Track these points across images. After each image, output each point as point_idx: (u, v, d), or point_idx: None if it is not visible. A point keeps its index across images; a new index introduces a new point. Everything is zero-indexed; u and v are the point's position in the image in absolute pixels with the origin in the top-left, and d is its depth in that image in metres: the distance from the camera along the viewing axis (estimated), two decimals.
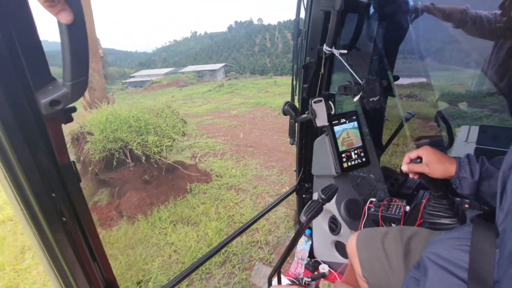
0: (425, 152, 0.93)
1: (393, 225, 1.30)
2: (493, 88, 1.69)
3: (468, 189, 0.85)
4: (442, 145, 1.85)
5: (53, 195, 0.55)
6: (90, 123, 4.56)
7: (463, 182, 0.86)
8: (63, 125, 0.57)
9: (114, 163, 4.44)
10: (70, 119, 0.58)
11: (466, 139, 1.88)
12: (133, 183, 4.57)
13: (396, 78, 1.68)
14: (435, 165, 0.91)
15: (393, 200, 1.38)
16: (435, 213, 1.05)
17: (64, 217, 0.58)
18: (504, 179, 0.63)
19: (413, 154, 0.97)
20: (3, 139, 0.45)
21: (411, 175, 0.98)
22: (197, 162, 5.73)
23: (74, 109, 0.55)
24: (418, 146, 1.82)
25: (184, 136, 5.62)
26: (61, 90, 0.47)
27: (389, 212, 1.33)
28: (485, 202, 0.87)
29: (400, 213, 1.30)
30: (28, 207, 0.52)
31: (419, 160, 0.95)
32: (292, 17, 1.30)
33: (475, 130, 1.84)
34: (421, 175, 0.95)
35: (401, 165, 1.02)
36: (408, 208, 1.32)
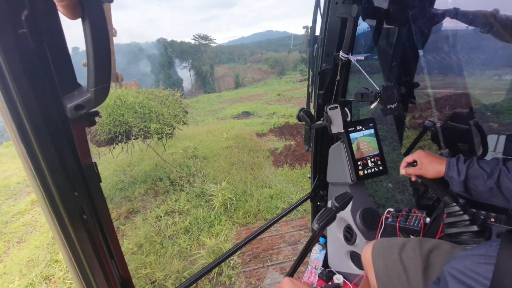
0: (419, 155, 1.00)
1: (411, 236, 1.25)
2: None
3: (458, 187, 0.90)
4: (474, 155, 1.76)
5: (76, 194, 0.59)
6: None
7: (453, 181, 0.90)
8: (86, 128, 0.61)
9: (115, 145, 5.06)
10: (93, 123, 0.62)
11: (494, 149, 1.79)
12: None
13: (416, 85, 1.63)
14: (427, 166, 0.96)
15: (412, 211, 1.33)
16: (456, 225, 1.00)
17: (85, 215, 0.62)
18: None
19: (409, 158, 1.03)
20: (32, 140, 0.49)
21: (412, 179, 1.03)
22: None
23: (97, 113, 0.59)
24: (444, 155, 1.75)
25: (184, 125, 6.09)
26: (85, 96, 0.51)
27: (407, 223, 1.28)
28: (478, 199, 0.90)
29: (420, 225, 1.25)
30: (53, 204, 0.56)
31: (415, 163, 1.00)
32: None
33: (503, 139, 1.75)
34: (421, 178, 1.00)
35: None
36: (428, 220, 1.27)
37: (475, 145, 1.80)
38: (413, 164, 1.02)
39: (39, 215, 5.61)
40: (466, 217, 0.98)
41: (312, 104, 1.43)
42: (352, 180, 1.34)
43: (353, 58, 1.21)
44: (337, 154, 1.38)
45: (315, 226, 0.79)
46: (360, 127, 1.34)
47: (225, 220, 4.54)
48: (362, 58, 1.22)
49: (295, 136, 8.27)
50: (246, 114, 13.28)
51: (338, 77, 1.28)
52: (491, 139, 1.84)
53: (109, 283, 0.75)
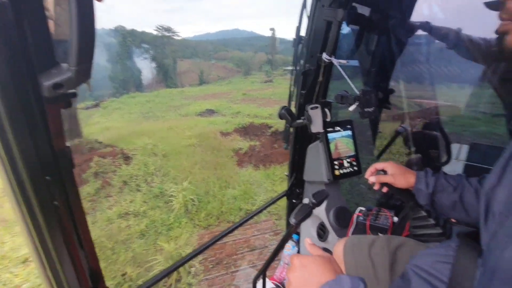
0: (390, 166, 1.05)
1: (380, 234, 1.32)
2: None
3: (423, 200, 0.95)
4: (438, 161, 1.89)
5: (47, 178, 0.56)
6: None
7: (420, 193, 0.95)
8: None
9: None
10: (70, 105, 0.59)
11: (456, 157, 1.93)
12: None
13: (392, 91, 1.72)
14: (398, 176, 1.01)
15: (382, 210, 1.40)
16: (421, 225, 1.08)
17: (56, 201, 0.58)
18: (487, 199, 0.65)
19: (380, 165, 1.08)
20: (2, 117, 0.46)
21: (375, 187, 1.08)
22: None
23: (75, 95, 0.56)
24: (410, 161, 1.86)
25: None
26: (65, 74, 0.48)
27: (377, 221, 1.35)
28: (441, 213, 0.96)
29: (388, 224, 1.33)
30: (21, 187, 0.53)
31: (382, 172, 1.06)
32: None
33: (465, 148, 1.89)
34: (389, 186, 1.04)
35: None
36: (396, 219, 1.35)
37: (440, 153, 1.93)
38: (380, 172, 1.07)
39: None
40: (431, 220, 1.06)
41: (293, 103, 1.45)
42: (328, 179, 1.38)
43: (335, 61, 1.25)
44: (315, 153, 1.42)
45: (292, 220, 0.80)
46: (339, 128, 1.39)
47: (186, 222, 4.36)
48: (345, 62, 1.26)
49: (259, 136, 8.39)
50: (210, 112, 12.98)
51: (321, 78, 1.31)
52: (455, 147, 1.98)
53: (78, 274, 0.71)
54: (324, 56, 1.24)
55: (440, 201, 0.92)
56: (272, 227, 4.03)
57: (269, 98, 16.08)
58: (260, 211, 1.66)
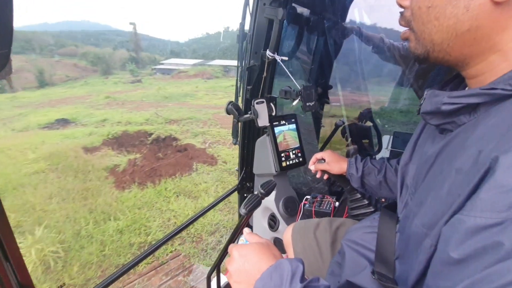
0: (327, 154, 1.15)
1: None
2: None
3: (355, 183, 1.07)
4: (372, 151, 2.12)
5: None
6: None
7: (352, 177, 1.07)
8: None
9: None
10: None
11: (387, 146, 2.19)
12: None
13: (330, 87, 1.87)
14: (333, 163, 1.13)
15: (325, 197, 1.52)
16: (357, 206, 1.20)
17: None
18: (402, 174, 0.76)
19: (319, 155, 1.18)
20: None
21: (317, 175, 1.19)
22: (206, 147, 6.33)
23: None
24: (348, 151, 2.05)
25: None
26: None
27: (321, 207, 1.46)
28: (371, 193, 1.10)
29: (330, 208, 1.45)
30: None
31: (323, 160, 1.16)
32: None
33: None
34: (327, 173, 1.16)
35: None
36: (337, 203, 1.48)
37: (373, 143, 2.17)
38: (321, 161, 1.17)
39: None
40: (365, 201, 1.19)
41: (240, 98, 1.48)
42: (276, 171, 1.44)
43: (278, 58, 1.31)
44: (263, 147, 1.47)
45: (243, 211, 0.83)
46: (284, 122, 1.46)
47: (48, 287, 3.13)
48: (286, 58, 1.33)
49: (139, 147, 6.80)
50: (63, 122, 10.37)
51: (265, 74, 1.36)
52: (385, 138, 2.24)
53: None
54: (268, 52, 1.29)
55: (369, 183, 1.04)
56: (185, 263, 3.10)
57: (141, 100, 14.31)
58: (213, 207, 1.65)
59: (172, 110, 11.33)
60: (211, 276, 1.12)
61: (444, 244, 0.43)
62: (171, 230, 2.81)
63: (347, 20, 1.80)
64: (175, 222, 3.22)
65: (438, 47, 0.51)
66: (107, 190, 4.87)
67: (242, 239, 1.75)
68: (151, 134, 7.45)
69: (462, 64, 0.52)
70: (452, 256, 0.40)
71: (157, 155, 6.30)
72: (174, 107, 12.21)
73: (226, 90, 18.68)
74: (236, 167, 1.71)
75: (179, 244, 3.25)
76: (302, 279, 0.49)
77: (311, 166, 1.19)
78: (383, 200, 1.49)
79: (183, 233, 3.16)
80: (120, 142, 7.09)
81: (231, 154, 5.82)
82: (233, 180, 4.43)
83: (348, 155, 2.01)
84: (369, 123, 2.13)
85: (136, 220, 3.81)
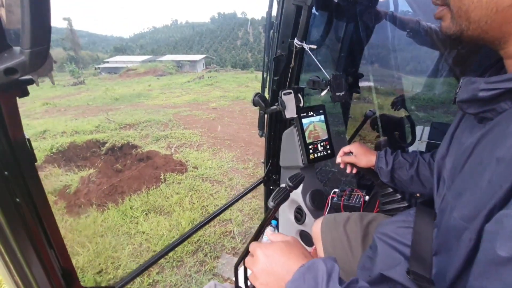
0: (355, 147, 1.10)
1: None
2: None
3: (385, 177, 1.01)
4: (404, 143, 2.01)
5: (6, 173, 0.51)
6: None
7: (381, 171, 1.01)
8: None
9: None
10: (26, 93, 0.54)
11: (420, 138, 2.07)
12: None
13: (361, 76, 1.78)
14: (361, 156, 1.07)
15: (354, 191, 1.47)
16: (389, 200, 1.15)
17: (17, 197, 0.54)
18: (438, 168, 0.72)
19: (347, 148, 1.13)
20: None
21: (342, 166, 1.15)
22: (172, 152, 5.65)
23: (31, 81, 0.52)
24: (378, 143, 1.96)
25: None
26: (18, 58, 0.43)
27: (350, 201, 1.41)
28: (401, 188, 1.03)
29: (360, 202, 1.40)
30: None
31: (350, 153, 1.11)
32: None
33: (427, 129, 2.03)
34: (355, 166, 1.11)
35: None
36: (367, 197, 1.42)
37: (405, 134, 2.05)
38: (349, 154, 1.12)
39: None
40: (397, 195, 1.13)
41: (266, 90, 1.45)
42: (303, 163, 1.41)
43: (306, 46, 1.26)
44: (290, 139, 1.44)
45: (271, 204, 0.81)
46: (312, 113, 1.42)
47: None
48: (315, 47, 1.28)
49: (91, 160, 5.65)
50: None
51: (292, 63, 1.32)
52: (418, 129, 2.12)
53: (49, 276, 0.67)
54: (296, 41, 1.25)
55: (400, 177, 0.98)
56: None
57: (87, 105, 13.05)
58: (239, 199, 1.67)
59: (126, 113, 10.15)
60: (238, 266, 1.14)
61: (490, 242, 0.40)
62: (144, 257, 2.76)
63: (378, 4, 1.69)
64: (149, 246, 2.89)
65: (474, 24, 0.47)
66: (57, 219, 3.66)
67: (268, 232, 1.75)
68: (105, 143, 6.24)
69: (500, 42, 0.48)
70: (500, 254, 0.36)
71: (115, 167, 5.24)
72: (127, 110, 11.02)
73: (183, 87, 17.52)
74: (262, 159, 1.70)
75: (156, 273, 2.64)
76: (340, 280, 0.46)
77: (337, 159, 1.16)
78: (418, 195, 1.41)
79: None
80: (67, 156, 5.81)
81: (201, 157, 5.24)
82: (207, 187, 4.10)
83: (378, 147, 1.92)
84: (402, 113, 2.01)
85: (100, 252, 3.00)
